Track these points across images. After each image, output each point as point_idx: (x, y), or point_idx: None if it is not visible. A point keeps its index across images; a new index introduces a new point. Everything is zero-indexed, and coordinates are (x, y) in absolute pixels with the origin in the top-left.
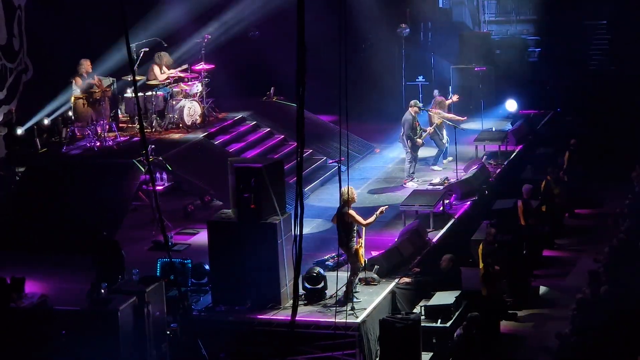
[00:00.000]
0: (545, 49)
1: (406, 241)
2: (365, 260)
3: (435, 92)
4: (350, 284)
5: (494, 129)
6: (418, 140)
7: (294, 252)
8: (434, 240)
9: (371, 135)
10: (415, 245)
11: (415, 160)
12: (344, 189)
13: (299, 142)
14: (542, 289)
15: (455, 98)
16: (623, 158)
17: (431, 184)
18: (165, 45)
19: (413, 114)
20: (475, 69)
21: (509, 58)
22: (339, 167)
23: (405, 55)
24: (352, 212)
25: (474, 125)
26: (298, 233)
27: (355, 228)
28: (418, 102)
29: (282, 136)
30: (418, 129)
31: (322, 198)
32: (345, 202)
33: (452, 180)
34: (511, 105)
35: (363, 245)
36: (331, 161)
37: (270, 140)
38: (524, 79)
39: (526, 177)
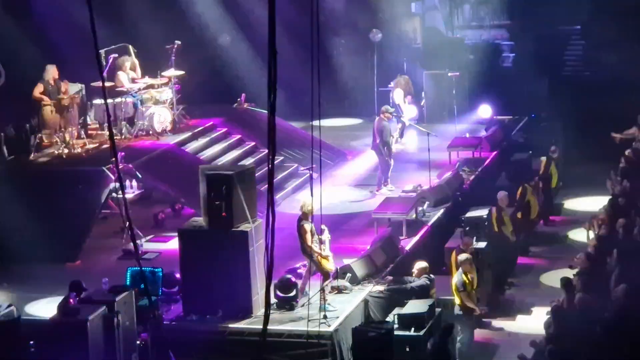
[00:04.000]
0: (519, 55)
1: (378, 249)
2: (337, 269)
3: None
4: (322, 291)
5: (468, 135)
6: (397, 146)
7: (265, 260)
8: (407, 248)
9: (343, 142)
10: (387, 253)
11: (390, 168)
12: (304, 200)
13: (270, 150)
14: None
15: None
16: (599, 164)
17: (404, 191)
18: (135, 51)
19: (386, 120)
20: (449, 74)
21: (482, 63)
22: (311, 175)
23: (377, 60)
24: (306, 225)
25: (448, 128)
26: (269, 241)
27: (314, 237)
28: (389, 107)
29: (253, 143)
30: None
31: (294, 206)
32: (304, 212)
33: (424, 187)
34: (485, 111)
35: (328, 253)
36: (303, 168)
37: (241, 147)
38: (497, 85)
39: (501, 185)
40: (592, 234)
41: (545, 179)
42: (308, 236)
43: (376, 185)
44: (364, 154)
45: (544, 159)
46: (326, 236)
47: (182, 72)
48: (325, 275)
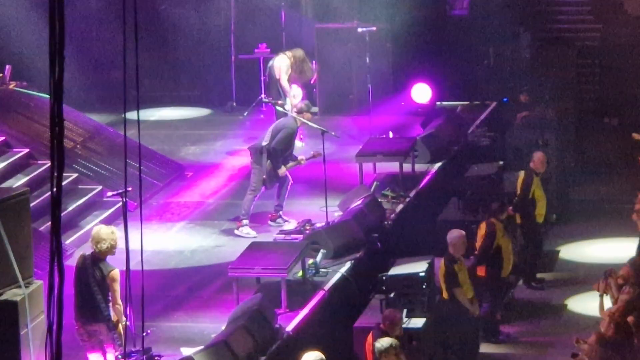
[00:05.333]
0: None
1: (240, 330)
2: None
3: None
4: None
5: (391, 135)
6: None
7: (48, 347)
8: (289, 329)
9: (180, 147)
10: (255, 337)
11: (288, 186)
12: (97, 228)
13: (55, 162)
14: None
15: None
16: (617, 181)
17: (282, 232)
18: None
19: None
20: (359, 30)
21: (417, 9)
22: (124, 203)
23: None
24: (114, 272)
25: (356, 123)
26: (55, 316)
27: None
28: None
29: (27, 150)
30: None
31: None
32: (101, 251)
33: (317, 225)
34: (421, 92)
35: (123, 314)
36: (112, 193)
37: (4, 156)
38: (444, 47)
39: (449, 219)
40: (608, 301)
41: (526, 209)
42: (118, 290)
43: (240, 216)
44: (216, 167)
45: (522, 173)
46: None
47: None
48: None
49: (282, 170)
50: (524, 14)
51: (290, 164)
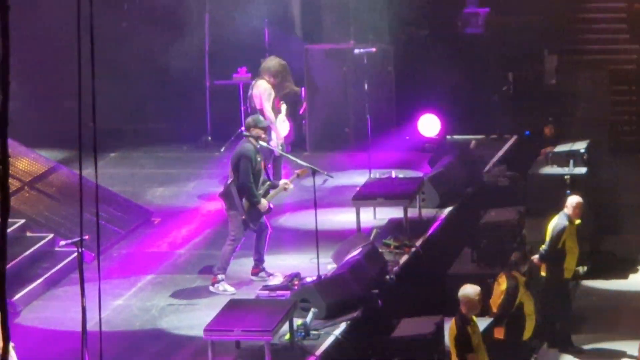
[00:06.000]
0: (496, 7)
1: None
2: None
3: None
4: None
5: (394, 175)
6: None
7: None
8: None
9: (146, 189)
10: None
11: (267, 237)
12: None
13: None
14: None
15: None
16: None
17: (266, 288)
18: None
19: (255, 144)
20: (355, 51)
21: (425, 28)
22: (80, 254)
23: (209, 27)
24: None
25: (354, 161)
26: None
27: None
28: (261, 119)
29: None
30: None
31: (50, 318)
32: None
33: (307, 279)
34: (429, 124)
35: None
36: (65, 242)
37: None
38: (455, 72)
39: (461, 273)
40: None
41: (555, 260)
42: None
43: (215, 269)
44: (188, 212)
45: (555, 219)
46: None
47: None
48: None
49: (264, 204)
50: (548, 33)
51: (272, 193)
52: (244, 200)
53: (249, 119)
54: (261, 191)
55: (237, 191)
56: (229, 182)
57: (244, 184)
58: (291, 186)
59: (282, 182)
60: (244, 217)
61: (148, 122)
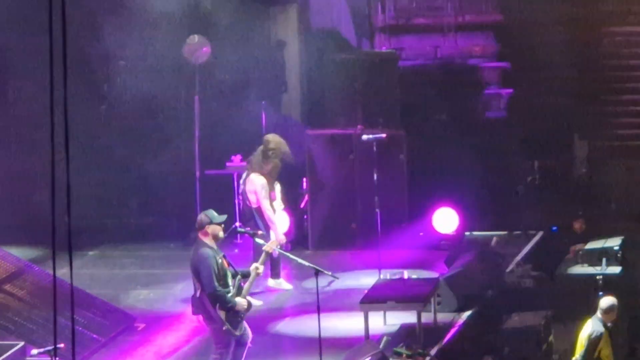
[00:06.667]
0: (520, 87)
1: None
2: None
3: None
4: None
5: (406, 276)
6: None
7: None
8: None
9: (131, 291)
10: None
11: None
12: None
13: None
14: None
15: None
16: None
17: None
18: None
19: (212, 247)
20: (363, 137)
21: (441, 112)
22: None
23: (199, 109)
24: None
25: (362, 259)
26: None
27: None
28: (212, 213)
29: None
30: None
31: None
32: None
33: None
34: (445, 219)
35: None
36: (37, 351)
37: None
38: (474, 161)
39: None
40: None
41: None
42: None
43: None
44: (175, 318)
45: (589, 324)
46: None
47: None
48: None
49: (243, 302)
50: (578, 116)
51: (246, 286)
52: (217, 310)
53: (198, 218)
54: (233, 290)
55: (209, 301)
56: (196, 294)
57: (211, 293)
58: (261, 268)
59: (252, 267)
60: (224, 328)
61: (130, 217)
